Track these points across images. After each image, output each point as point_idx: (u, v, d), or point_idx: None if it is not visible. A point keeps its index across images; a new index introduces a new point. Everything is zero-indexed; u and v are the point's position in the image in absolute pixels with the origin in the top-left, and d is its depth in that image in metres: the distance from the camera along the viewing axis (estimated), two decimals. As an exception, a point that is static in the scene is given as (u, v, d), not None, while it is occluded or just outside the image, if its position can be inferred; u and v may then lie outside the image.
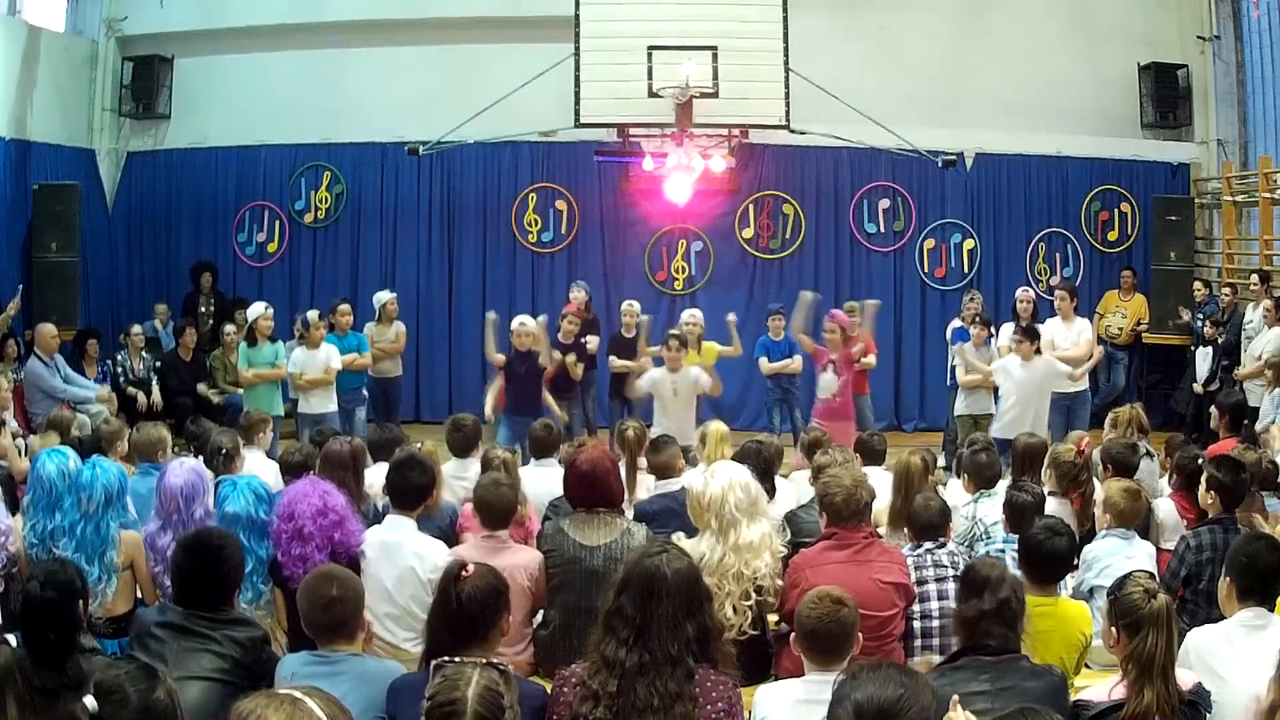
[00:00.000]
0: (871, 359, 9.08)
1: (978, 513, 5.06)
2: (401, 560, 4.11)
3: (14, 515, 4.55)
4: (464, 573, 3.00)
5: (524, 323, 8.49)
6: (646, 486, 5.64)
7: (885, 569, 3.92)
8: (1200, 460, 5.31)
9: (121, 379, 10.01)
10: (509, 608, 3.10)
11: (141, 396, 9.93)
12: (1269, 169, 10.26)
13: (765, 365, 9.30)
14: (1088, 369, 8.69)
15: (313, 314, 9.06)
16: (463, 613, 2.96)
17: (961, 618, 3.23)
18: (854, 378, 8.63)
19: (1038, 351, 8.06)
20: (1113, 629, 3.06)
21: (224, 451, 5.30)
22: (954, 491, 5.54)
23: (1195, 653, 3.27)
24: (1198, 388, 9.95)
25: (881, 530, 4.49)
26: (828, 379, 8.37)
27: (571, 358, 8.86)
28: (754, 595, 3.89)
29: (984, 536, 4.90)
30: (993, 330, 9.21)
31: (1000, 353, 8.83)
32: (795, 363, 9.23)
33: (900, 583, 3.94)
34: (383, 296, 9.91)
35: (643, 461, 6.05)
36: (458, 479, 5.61)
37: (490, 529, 4.24)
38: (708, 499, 3.97)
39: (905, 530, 4.45)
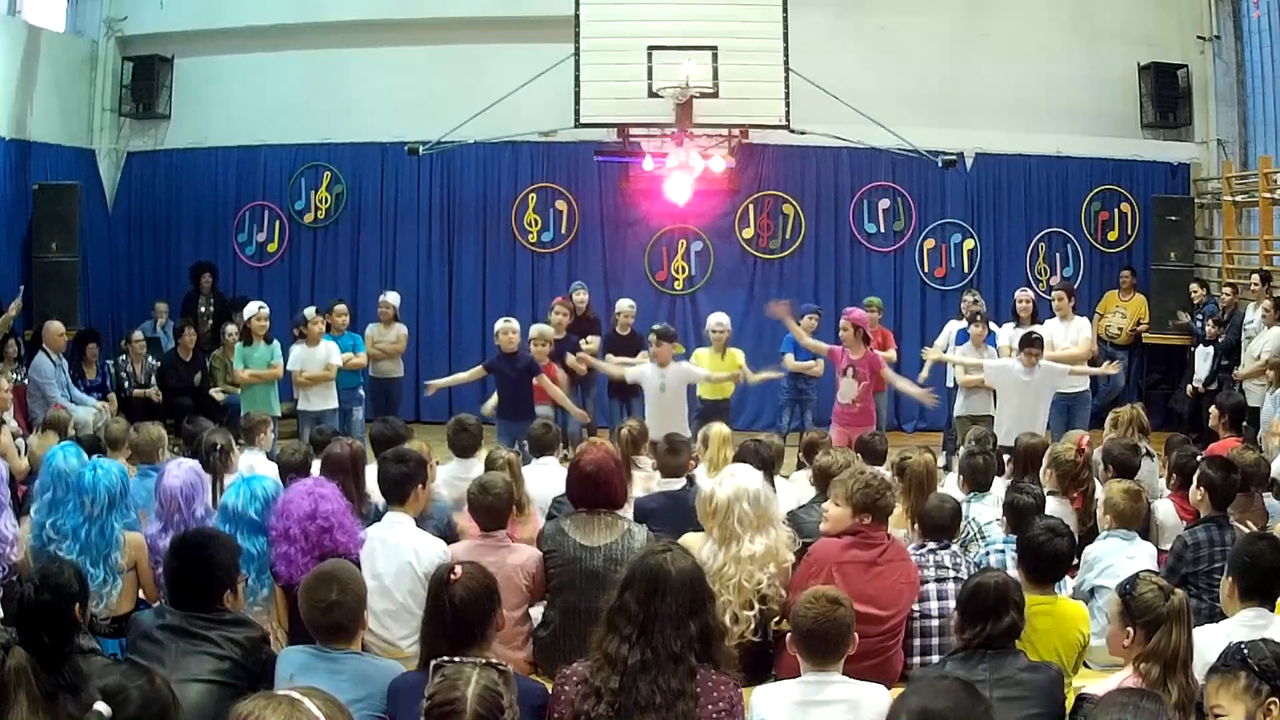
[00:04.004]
0: (891, 353, 9.03)
1: (971, 513, 5.07)
2: (399, 556, 4.13)
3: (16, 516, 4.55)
4: (453, 575, 3.00)
5: (508, 321, 8.27)
6: (645, 485, 5.64)
7: (903, 571, 3.94)
8: (1199, 459, 5.32)
9: (126, 383, 10.01)
10: (500, 603, 3.09)
11: (152, 394, 9.94)
12: (1269, 169, 10.25)
13: (790, 361, 9.08)
14: (1094, 372, 8.67)
15: (309, 310, 9.05)
16: (457, 616, 2.96)
17: (965, 641, 3.25)
18: (874, 378, 8.30)
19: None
20: (1127, 628, 3.08)
21: (218, 448, 5.29)
22: (950, 491, 5.55)
23: (1197, 651, 3.26)
24: (1198, 387, 9.94)
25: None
26: (848, 384, 8.05)
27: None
28: (757, 605, 3.86)
29: (978, 537, 4.91)
30: (994, 328, 9.21)
31: (1001, 353, 8.83)
32: (819, 366, 9.02)
33: (912, 583, 3.97)
34: (384, 298, 9.93)
35: (642, 460, 6.05)
36: (460, 480, 5.59)
37: (486, 530, 4.25)
38: (713, 506, 3.95)
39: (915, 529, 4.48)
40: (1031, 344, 7.91)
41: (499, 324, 8.33)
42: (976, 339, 8.83)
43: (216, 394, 10.10)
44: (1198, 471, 4.70)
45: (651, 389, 8.15)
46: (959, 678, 2.50)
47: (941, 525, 4.28)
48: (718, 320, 8.89)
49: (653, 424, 7.98)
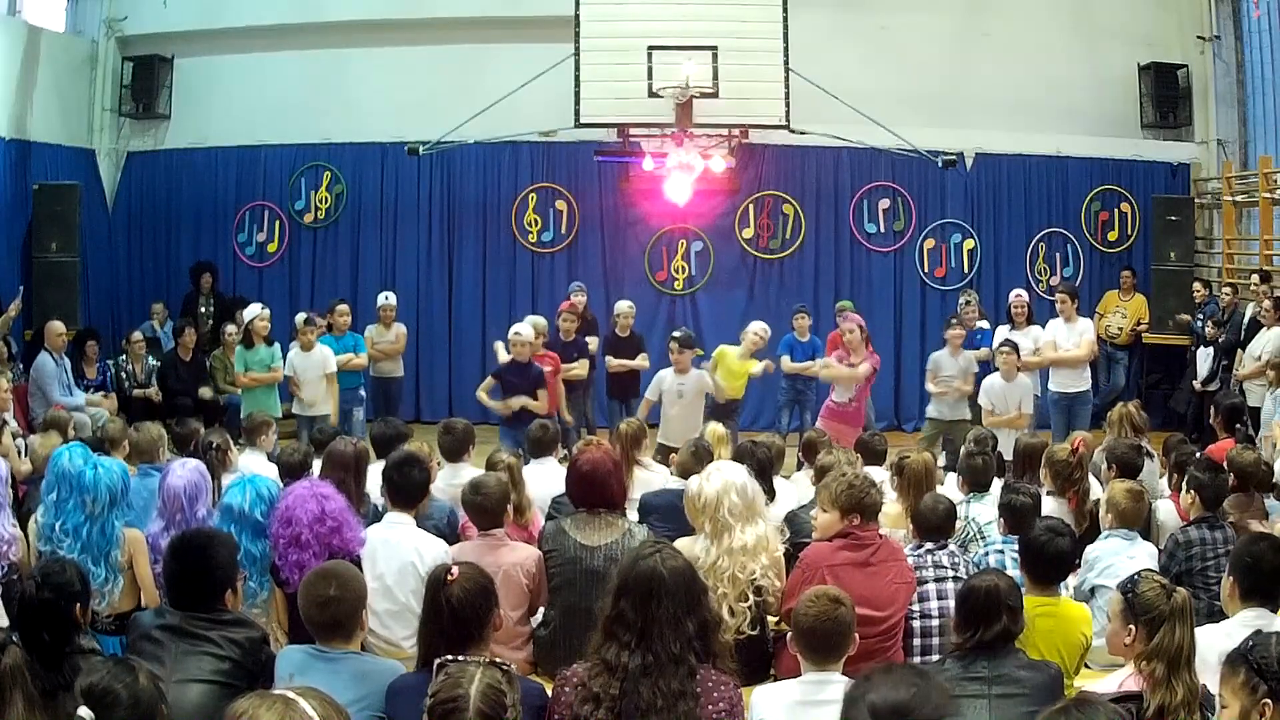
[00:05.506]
0: (877, 359, 9.08)
1: (970, 514, 5.07)
2: (401, 556, 4.13)
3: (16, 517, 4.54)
4: (449, 576, 3.00)
5: (519, 333, 8.14)
6: (646, 484, 5.65)
7: (897, 570, 3.94)
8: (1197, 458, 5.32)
9: (126, 383, 9.99)
10: (498, 603, 3.10)
11: (152, 394, 9.92)
12: (1269, 169, 10.24)
13: (787, 364, 9.17)
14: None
15: (299, 318, 9.04)
16: (455, 617, 2.95)
17: (960, 646, 3.24)
18: (868, 381, 8.53)
19: (1020, 368, 8.23)
20: (1129, 627, 3.07)
21: (215, 447, 5.28)
22: (948, 491, 5.55)
23: (1198, 651, 3.26)
24: (1197, 386, 9.93)
25: (884, 530, 4.48)
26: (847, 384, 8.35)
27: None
28: (752, 597, 3.88)
29: (977, 537, 4.91)
30: (984, 326, 9.24)
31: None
32: (815, 366, 9.02)
33: (908, 582, 3.97)
34: (382, 299, 9.93)
35: (643, 458, 6.06)
36: (452, 486, 5.56)
37: (482, 530, 4.26)
38: (702, 502, 3.98)
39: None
40: (1013, 349, 8.25)
41: (512, 333, 8.21)
42: (953, 342, 8.70)
43: (205, 392, 10.05)
44: (1186, 476, 4.71)
45: (670, 396, 8.18)
46: (908, 666, 2.48)
47: (936, 526, 4.28)
48: (761, 328, 8.82)
49: (670, 430, 8.01)
